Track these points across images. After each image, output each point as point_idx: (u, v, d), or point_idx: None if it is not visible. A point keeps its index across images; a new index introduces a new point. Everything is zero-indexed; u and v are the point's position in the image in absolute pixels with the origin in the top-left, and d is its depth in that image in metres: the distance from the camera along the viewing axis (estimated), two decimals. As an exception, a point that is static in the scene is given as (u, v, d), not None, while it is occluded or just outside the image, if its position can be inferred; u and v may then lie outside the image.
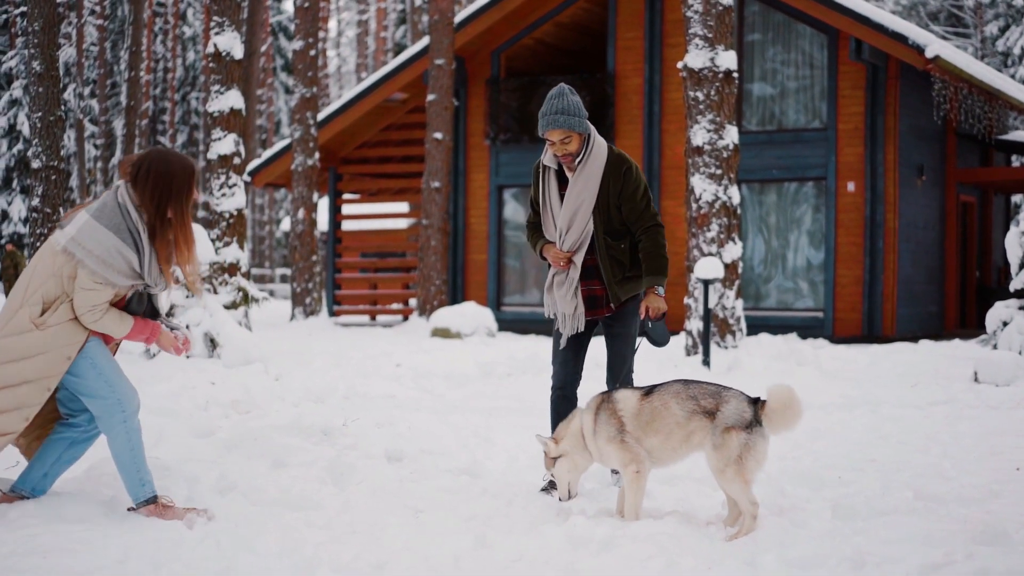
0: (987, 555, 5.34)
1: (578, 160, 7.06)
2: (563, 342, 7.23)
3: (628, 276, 7.15)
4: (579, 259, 7.12)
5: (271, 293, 51.49)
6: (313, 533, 5.86)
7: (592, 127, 7.13)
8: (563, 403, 7.20)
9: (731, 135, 15.68)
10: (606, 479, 7.38)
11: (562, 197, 7.15)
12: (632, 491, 6.26)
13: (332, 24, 76.73)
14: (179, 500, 6.27)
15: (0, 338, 5.82)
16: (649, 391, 6.38)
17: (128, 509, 6.06)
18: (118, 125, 50.84)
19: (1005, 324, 15.70)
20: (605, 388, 7.23)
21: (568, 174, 7.13)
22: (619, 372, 7.23)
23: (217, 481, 6.69)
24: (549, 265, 7.31)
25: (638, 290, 7.18)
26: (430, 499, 6.73)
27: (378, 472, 7.31)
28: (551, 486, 6.91)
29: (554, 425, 7.11)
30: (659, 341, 7.12)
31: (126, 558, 5.24)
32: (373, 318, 28.96)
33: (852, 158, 22.37)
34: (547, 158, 7.20)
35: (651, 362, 14.55)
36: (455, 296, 25.67)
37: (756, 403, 6.14)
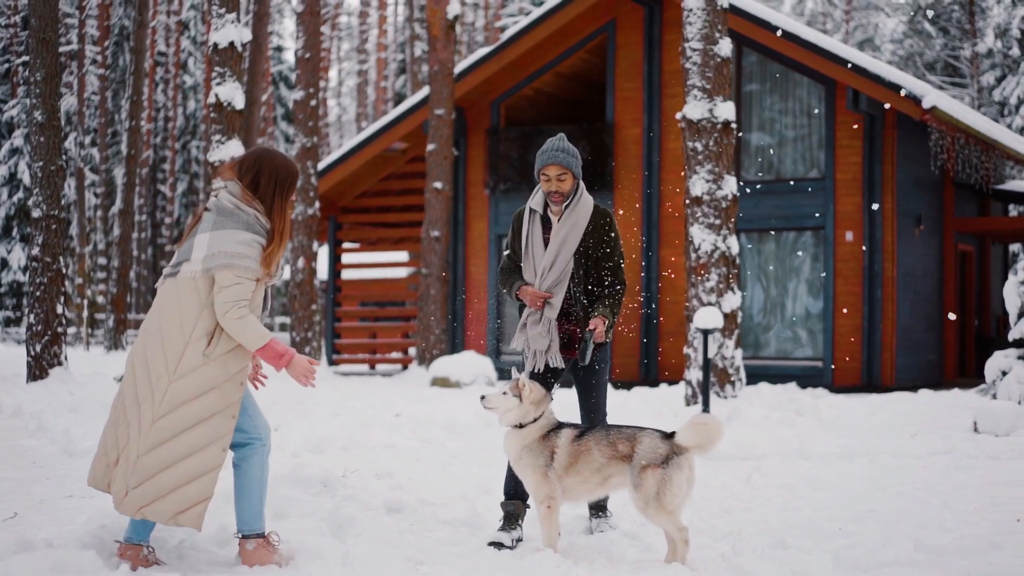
0: (988, 608, 5.33)
1: (566, 205, 7.38)
2: (527, 371, 7.45)
3: None
4: (557, 301, 7.38)
5: (270, 342, 51.47)
6: (313, 585, 5.84)
7: (582, 181, 7.47)
8: None
9: (730, 185, 15.73)
10: (604, 524, 7.38)
11: (545, 241, 7.46)
12: (546, 524, 6.67)
13: (333, 74, 77.11)
14: (176, 550, 6.25)
15: (177, 380, 5.95)
16: (582, 433, 6.76)
17: (236, 535, 6.29)
18: (118, 174, 51.01)
19: (1004, 374, 15.70)
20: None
21: (553, 218, 7.46)
22: (596, 417, 7.53)
23: (217, 532, 6.67)
24: (522, 306, 7.56)
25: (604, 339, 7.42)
26: (430, 551, 6.71)
27: (378, 523, 7.28)
28: (507, 522, 7.27)
29: (508, 478, 7.34)
30: (584, 356, 7.32)
31: (125, 611, 5.22)
32: (372, 367, 28.93)
33: (850, 207, 22.44)
34: (535, 201, 7.54)
35: (650, 413, 14.54)
36: (454, 345, 25.67)
37: (671, 437, 6.50)
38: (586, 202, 7.45)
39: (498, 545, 7.00)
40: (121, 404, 6.04)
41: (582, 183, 7.47)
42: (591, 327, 7.27)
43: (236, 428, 6.16)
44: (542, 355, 7.43)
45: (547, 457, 6.68)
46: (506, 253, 7.72)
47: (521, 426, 6.79)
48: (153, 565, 6.13)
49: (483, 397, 6.85)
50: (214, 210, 6.17)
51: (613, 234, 7.47)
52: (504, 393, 6.83)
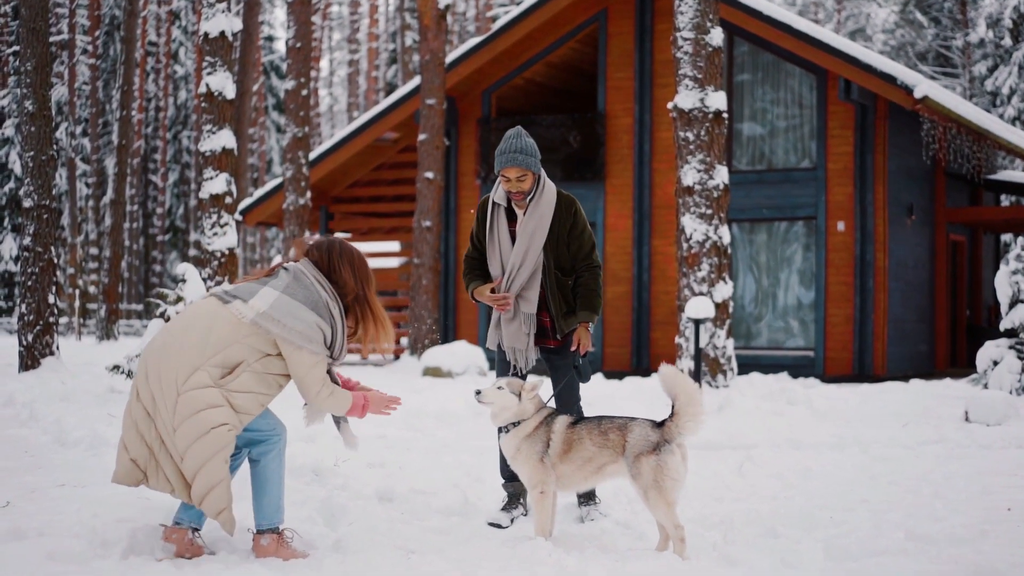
0: (979, 596, 5.34)
1: (530, 198, 7.39)
2: (512, 370, 7.58)
3: (572, 310, 7.51)
4: (533, 295, 7.44)
5: (262, 332, 51.35)
6: (306, 574, 5.84)
7: (542, 169, 7.45)
8: None
9: (721, 175, 15.74)
10: (596, 513, 7.41)
11: (511, 233, 7.48)
12: (539, 510, 6.69)
13: (324, 63, 76.99)
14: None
15: (185, 393, 5.95)
16: (576, 422, 6.79)
17: (250, 531, 6.35)
18: (109, 164, 50.90)
19: (995, 363, 15.72)
20: None
21: (518, 211, 7.46)
22: (571, 403, 7.55)
23: (207, 521, 6.66)
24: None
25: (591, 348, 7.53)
26: (421, 540, 6.72)
27: (369, 512, 7.29)
28: (509, 503, 7.48)
29: (502, 462, 7.46)
30: (585, 377, 7.53)
31: (117, 600, 5.22)
32: (364, 356, 28.87)
33: (842, 197, 22.45)
34: (497, 195, 7.54)
35: (641, 402, 14.54)
36: (446, 335, 25.67)
37: (661, 425, 6.49)
38: (549, 193, 7.44)
39: (496, 525, 7.21)
40: (138, 401, 6.06)
41: (543, 175, 7.45)
42: (576, 347, 7.38)
43: (252, 428, 6.21)
44: (522, 353, 7.50)
45: (543, 444, 6.70)
46: (470, 244, 7.74)
47: (516, 424, 6.78)
48: (198, 553, 6.19)
49: (478, 392, 6.79)
50: (292, 274, 6.26)
51: (579, 219, 7.49)
52: (500, 388, 6.81)
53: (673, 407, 6.47)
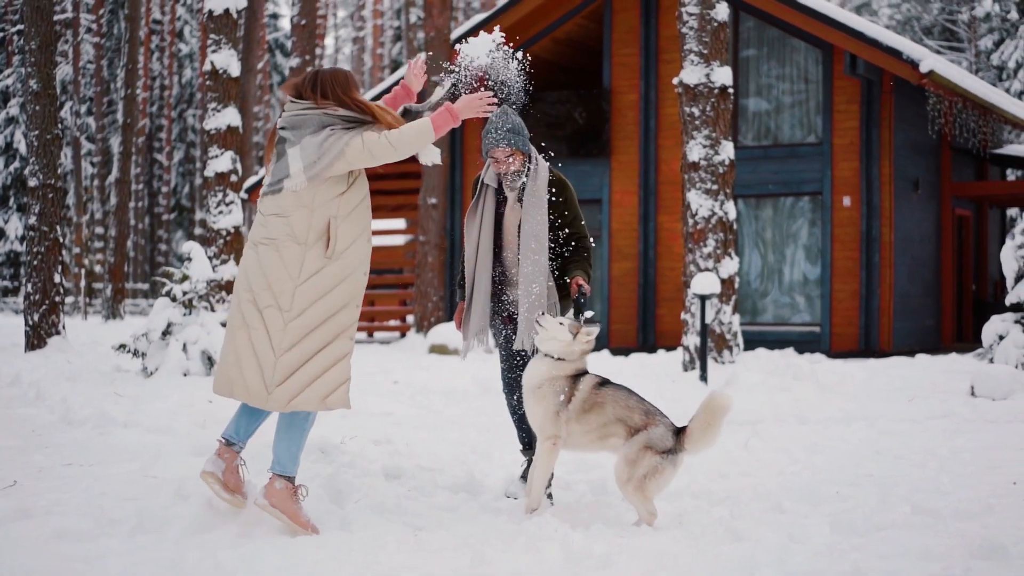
0: (985, 569, 5.36)
1: (524, 179, 7.20)
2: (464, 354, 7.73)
3: (565, 295, 7.34)
4: (542, 285, 7.18)
5: (268, 310, 51.45)
6: (311, 551, 5.85)
7: (533, 148, 7.28)
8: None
9: (727, 150, 15.71)
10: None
11: (496, 215, 7.33)
12: (545, 460, 6.71)
13: (329, 41, 76.84)
14: (177, 517, 6.26)
15: (302, 283, 6.16)
16: (602, 384, 6.74)
17: (268, 470, 6.40)
18: (115, 143, 50.87)
19: (1001, 338, 15.71)
20: None
21: (507, 192, 7.28)
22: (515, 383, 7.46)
23: (215, 498, 6.68)
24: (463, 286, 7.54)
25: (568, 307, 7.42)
26: (429, 516, 6.73)
27: (376, 489, 7.30)
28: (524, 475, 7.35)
29: (519, 430, 7.49)
30: (587, 308, 7.30)
31: (125, 577, 5.24)
32: (370, 335, 28.92)
33: (848, 172, 22.41)
34: (488, 176, 7.36)
35: (648, 379, 14.56)
36: (452, 312, 25.67)
37: (679, 433, 6.51)
38: (543, 174, 7.22)
39: (515, 497, 7.24)
40: (239, 311, 6.24)
41: (533, 155, 7.23)
42: (579, 286, 7.14)
43: None
44: (480, 337, 7.48)
45: (565, 399, 6.68)
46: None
47: (555, 360, 6.74)
48: (237, 490, 6.36)
49: (541, 314, 6.79)
50: (288, 126, 6.33)
51: (573, 199, 7.31)
52: (561, 323, 6.75)
53: (691, 422, 6.48)
